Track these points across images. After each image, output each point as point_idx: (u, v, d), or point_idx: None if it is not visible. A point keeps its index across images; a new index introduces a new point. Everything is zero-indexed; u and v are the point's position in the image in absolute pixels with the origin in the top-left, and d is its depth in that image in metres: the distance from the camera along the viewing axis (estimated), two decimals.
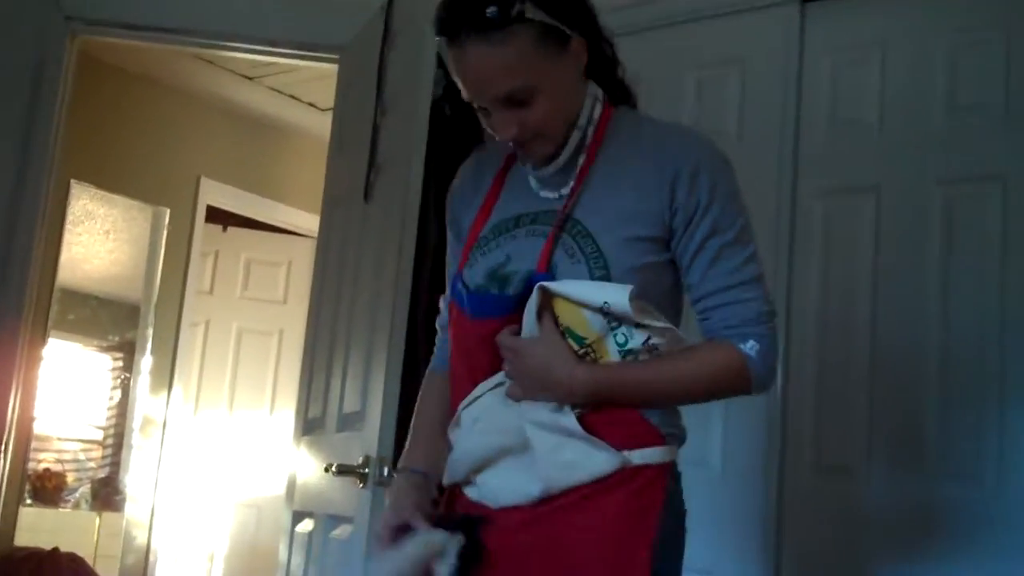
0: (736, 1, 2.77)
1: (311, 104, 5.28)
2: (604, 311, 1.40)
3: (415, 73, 2.62)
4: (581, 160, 1.51)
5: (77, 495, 4.96)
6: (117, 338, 5.16)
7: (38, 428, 4.68)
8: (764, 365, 1.44)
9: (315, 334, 2.96)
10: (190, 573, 5.43)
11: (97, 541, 4.86)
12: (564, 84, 1.46)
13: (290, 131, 5.48)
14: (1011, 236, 2.33)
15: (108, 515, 4.94)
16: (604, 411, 1.42)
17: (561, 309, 1.43)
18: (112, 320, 5.15)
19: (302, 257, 5.56)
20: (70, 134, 3.38)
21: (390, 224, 2.59)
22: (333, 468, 2.43)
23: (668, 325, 1.45)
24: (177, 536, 5.29)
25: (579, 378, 1.41)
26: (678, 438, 1.49)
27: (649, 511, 1.40)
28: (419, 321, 2.64)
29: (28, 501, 4.66)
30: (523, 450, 1.43)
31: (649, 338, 1.43)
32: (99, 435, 5.12)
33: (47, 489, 4.80)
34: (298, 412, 2.96)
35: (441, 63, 2.86)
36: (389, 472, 2.33)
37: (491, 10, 1.36)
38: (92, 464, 5.07)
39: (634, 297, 1.38)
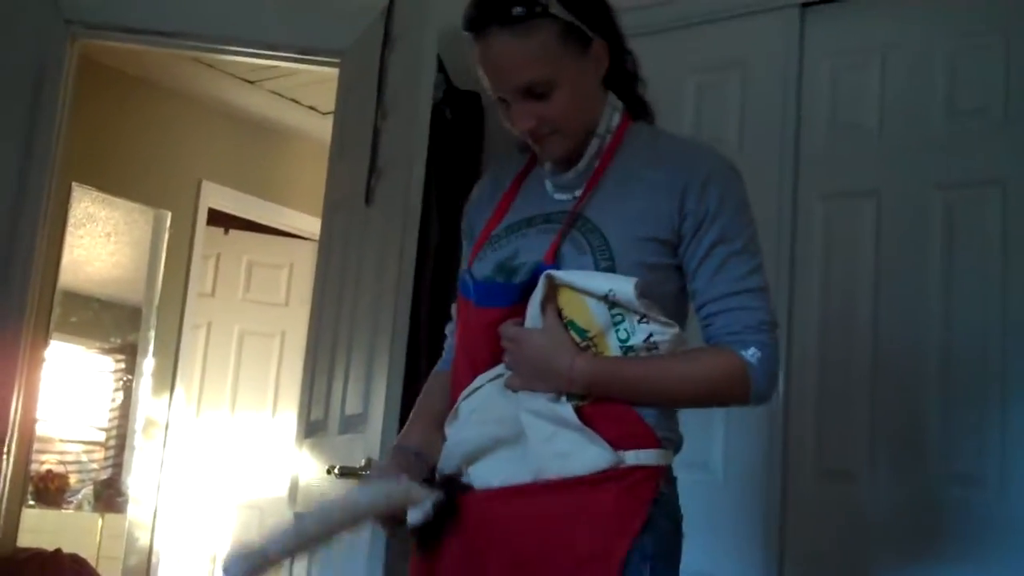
0: (737, 5, 2.78)
1: (312, 108, 5.28)
2: (609, 299, 1.41)
3: (415, 77, 2.63)
4: (596, 164, 1.53)
5: (80, 496, 4.97)
6: (119, 340, 5.17)
7: (41, 430, 4.70)
8: (764, 373, 1.44)
9: (317, 336, 2.97)
10: (192, 575, 5.43)
11: (99, 542, 4.87)
12: (583, 84, 1.50)
13: (291, 134, 5.48)
14: (1011, 239, 2.34)
15: (110, 516, 4.95)
16: (602, 406, 1.43)
17: (565, 301, 1.44)
18: (114, 322, 5.16)
19: (304, 260, 5.56)
20: (71, 137, 3.39)
21: (391, 227, 2.59)
22: (335, 470, 2.43)
23: (671, 322, 1.45)
24: (179, 538, 5.28)
25: (579, 368, 1.41)
26: (674, 443, 1.49)
27: (637, 507, 1.40)
28: (421, 323, 2.65)
29: (31, 502, 4.67)
30: (517, 441, 1.44)
31: (651, 335, 1.43)
32: (101, 437, 5.13)
33: (50, 490, 4.81)
34: (300, 414, 2.97)
35: (442, 67, 2.88)
36: None
37: (518, 9, 1.42)
38: (94, 466, 5.08)
39: (639, 286, 1.39)
